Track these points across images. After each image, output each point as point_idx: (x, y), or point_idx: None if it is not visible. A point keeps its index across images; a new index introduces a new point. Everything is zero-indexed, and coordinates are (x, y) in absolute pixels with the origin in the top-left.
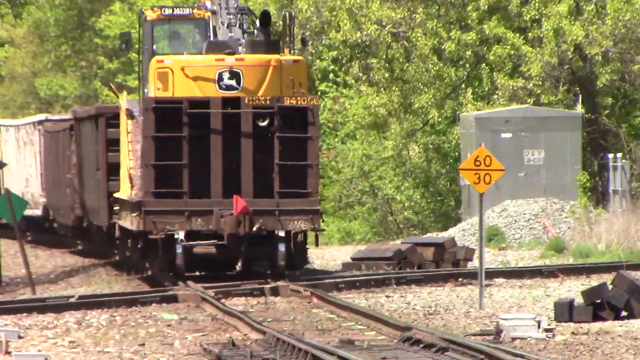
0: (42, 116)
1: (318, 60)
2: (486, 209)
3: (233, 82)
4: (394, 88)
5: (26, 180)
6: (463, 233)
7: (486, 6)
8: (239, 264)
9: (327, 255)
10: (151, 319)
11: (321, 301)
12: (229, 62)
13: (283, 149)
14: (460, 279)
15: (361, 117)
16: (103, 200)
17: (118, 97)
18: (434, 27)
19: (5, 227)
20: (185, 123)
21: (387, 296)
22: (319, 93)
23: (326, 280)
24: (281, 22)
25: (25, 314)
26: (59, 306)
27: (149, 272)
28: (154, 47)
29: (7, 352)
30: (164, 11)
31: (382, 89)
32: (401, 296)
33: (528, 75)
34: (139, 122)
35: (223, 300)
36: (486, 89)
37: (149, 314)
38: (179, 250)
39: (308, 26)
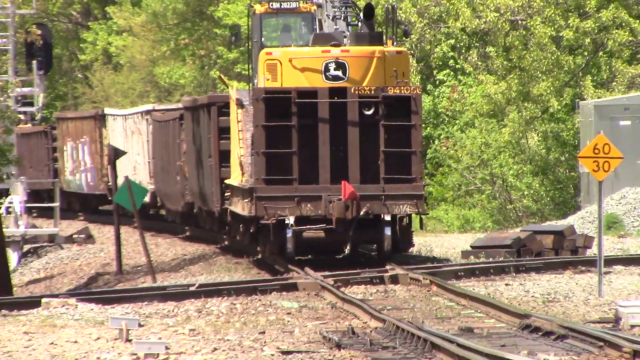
0: (149, 106)
1: (437, 48)
2: (605, 196)
3: (339, 73)
4: (512, 76)
5: (134, 168)
6: (582, 221)
7: None
8: (347, 247)
9: (446, 244)
10: (271, 307)
11: (440, 289)
12: (335, 54)
13: (388, 136)
14: (579, 267)
15: (480, 106)
16: (215, 186)
17: (228, 87)
18: (552, 15)
19: (125, 215)
20: (294, 112)
21: (506, 284)
22: (437, 82)
23: (445, 268)
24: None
25: (146, 302)
26: (180, 294)
27: (259, 256)
28: (263, 39)
29: (128, 340)
30: (272, 5)
31: (501, 76)
32: (520, 284)
33: None
34: (248, 111)
35: (342, 289)
36: (605, 76)
37: (269, 302)
38: (289, 234)
39: (426, 14)
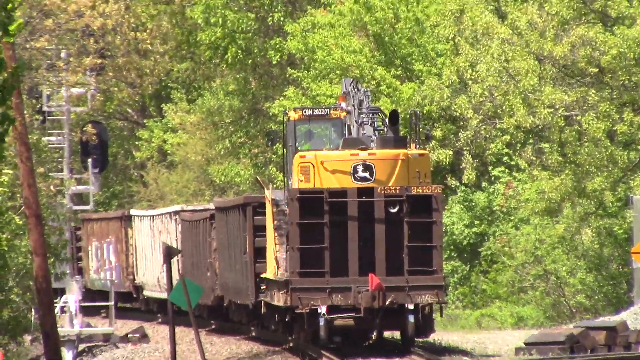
0: (178, 207)
1: (491, 144)
2: None
3: (366, 174)
4: (567, 171)
5: (162, 266)
6: (635, 316)
7: None
8: (374, 334)
9: (500, 340)
10: None
11: None
12: (363, 157)
13: (411, 231)
14: None
15: (535, 204)
16: (250, 280)
17: (264, 189)
18: (607, 110)
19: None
20: (326, 210)
21: None
22: (492, 178)
23: None
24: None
25: None
26: None
27: (291, 344)
28: (297, 143)
29: None
30: (305, 112)
31: (555, 172)
32: None
33: None
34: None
35: None
36: None
37: None
38: (322, 322)
39: (481, 110)
